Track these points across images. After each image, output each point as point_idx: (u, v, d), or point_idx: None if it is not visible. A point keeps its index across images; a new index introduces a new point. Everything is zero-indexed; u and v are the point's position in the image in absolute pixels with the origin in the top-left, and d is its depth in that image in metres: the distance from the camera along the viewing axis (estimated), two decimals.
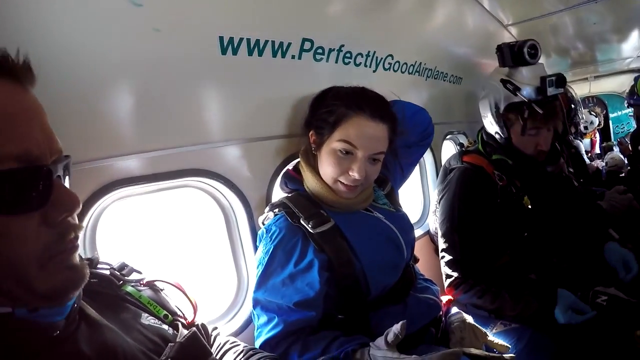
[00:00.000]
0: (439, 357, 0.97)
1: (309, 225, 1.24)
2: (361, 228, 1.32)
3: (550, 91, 1.81)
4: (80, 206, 0.66)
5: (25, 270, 0.58)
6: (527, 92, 1.83)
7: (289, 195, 1.39)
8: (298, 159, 1.46)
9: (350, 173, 1.27)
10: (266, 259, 1.22)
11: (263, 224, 1.36)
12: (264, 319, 1.19)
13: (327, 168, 1.31)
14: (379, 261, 1.30)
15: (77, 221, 0.67)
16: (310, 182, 1.36)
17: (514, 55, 1.91)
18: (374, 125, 1.28)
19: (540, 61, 1.95)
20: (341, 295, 1.25)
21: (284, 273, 1.20)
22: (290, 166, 1.51)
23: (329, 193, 1.32)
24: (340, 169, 1.29)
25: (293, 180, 1.42)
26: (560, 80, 1.84)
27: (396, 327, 1.01)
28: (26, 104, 0.61)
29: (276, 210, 1.34)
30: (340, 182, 1.30)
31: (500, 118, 1.92)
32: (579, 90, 5.60)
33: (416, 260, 1.58)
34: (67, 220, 0.63)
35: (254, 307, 1.23)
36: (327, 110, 1.32)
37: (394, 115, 1.36)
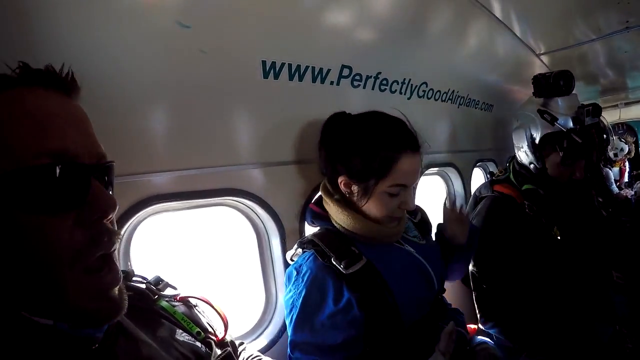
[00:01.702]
0: None
1: (341, 266, 1.18)
2: (393, 262, 1.28)
3: (587, 121, 1.82)
4: (117, 208, 0.65)
5: (58, 270, 0.58)
6: (564, 122, 1.83)
7: (318, 232, 1.34)
8: (319, 193, 1.42)
9: (404, 207, 1.26)
10: (300, 300, 1.18)
11: (292, 260, 1.33)
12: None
13: (379, 210, 1.26)
14: (412, 296, 1.26)
15: (114, 227, 0.67)
16: (341, 218, 1.30)
17: (549, 86, 1.92)
18: (417, 158, 1.25)
19: None
20: (374, 330, 1.21)
21: (323, 313, 1.16)
22: (313, 200, 1.48)
23: (367, 226, 1.28)
24: (392, 207, 1.25)
25: (319, 217, 1.37)
26: (596, 110, 1.85)
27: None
28: (71, 109, 0.63)
29: (305, 247, 1.30)
30: (392, 217, 1.28)
31: (537, 149, 1.91)
32: (609, 117, 5.48)
33: (443, 290, 1.54)
34: (102, 223, 0.63)
35: (292, 351, 1.18)
36: (365, 156, 1.23)
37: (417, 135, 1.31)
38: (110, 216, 0.65)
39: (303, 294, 1.18)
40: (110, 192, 0.67)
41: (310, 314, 1.17)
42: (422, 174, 1.97)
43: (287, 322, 1.23)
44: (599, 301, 1.89)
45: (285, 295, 1.26)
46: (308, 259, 1.25)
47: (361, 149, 1.24)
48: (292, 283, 1.24)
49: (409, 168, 1.22)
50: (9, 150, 0.55)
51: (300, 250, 1.31)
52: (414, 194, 1.31)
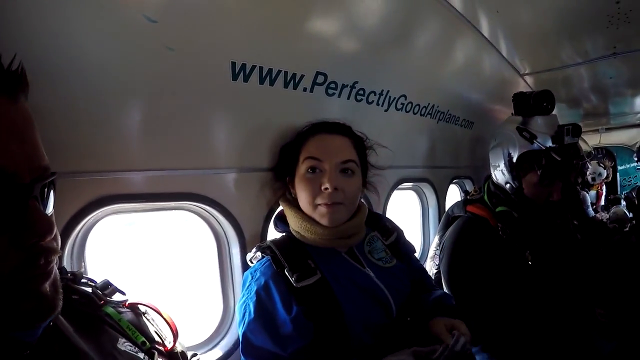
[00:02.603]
0: None
1: (293, 279, 1.19)
2: (349, 283, 1.26)
3: (567, 140, 1.80)
4: (54, 233, 0.62)
5: None
6: (543, 140, 1.82)
7: (278, 239, 1.35)
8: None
9: (322, 187, 1.24)
10: (252, 306, 1.17)
11: (251, 262, 1.32)
12: None
13: (303, 195, 1.29)
14: (364, 320, 1.23)
15: (54, 245, 0.64)
16: (293, 222, 1.33)
17: (529, 105, 1.91)
18: (333, 137, 1.32)
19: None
20: (322, 346, 1.17)
21: (274, 320, 1.15)
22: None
23: (312, 226, 1.28)
24: (313, 188, 1.26)
25: (283, 221, 1.39)
26: (576, 130, 1.83)
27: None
28: (15, 117, 0.58)
29: (263, 252, 1.30)
30: (319, 204, 1.27)
31: (514, 167, 1.89)
32: (590, 140, 5.61)
33: (405, 317, 1.42)
34: (38, 245, 0.60)
35: (245, 354, 1.16)
36: (289, 149, 1.38)
37: (356, 134, 1.39)
38: (47, 238, 0.61)
39: (254, 299, 1.18)
40: (51, 207, 0.65)
41: (262, 320, 1.15)
42: (395, 187, 1.93)
43: (239, 329, 1.19)
44: (580, 344, 1.85)
45: (239, 300, 1.24)
46: (264, 264, 1.26)
47: (289, 145, 1.40)
48: (245, 288, 1.24)
49: (319, 143, 1.30)
50: None
51: (259, 254, 1.30)
52: (351, 182, 1.30)
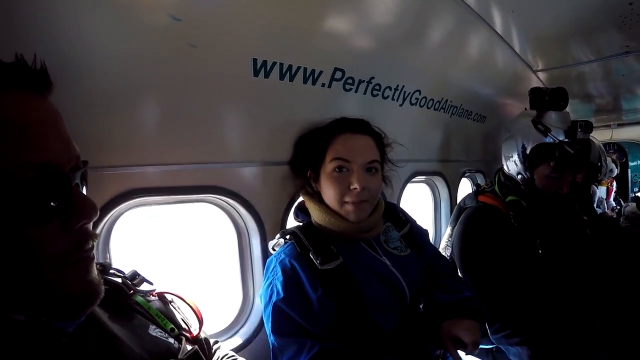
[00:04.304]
0: None
1: (317, 261, 1.24)
2: (367, 270, 1.31)
3: (579, 135, 1.87)
4: (98, 213, 0.66)
5: (43, 274, 0.59)
6: (556, 134, 1.88)
7: (301, 225, 1.40)
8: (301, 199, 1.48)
9: (351, 187, 1.28)
10: (280, 286, 1.20)
11: (273, 249, 1.36)
12: (295, 346, 1.16)
13: (330, 192, 1.32)
14: (380, 304, 1.28)
15: (94, 230, 0.68)
16: (316, 215, 1.37)
17: (544, 101, 1.96)
18: (358, 137, 1.34)
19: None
20: (344, 325, 1.23)
21: (304, 297, 1.20)
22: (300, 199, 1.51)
23: (337, 220, 1.32)
24: (340, 187, 1.30)
25: (304, 212, 1.44)
26: (588, 126, 1.89)
27: None
28: (43, 112, 0.62)
29: (287, 237, 1.34)
30: (346, 202, 1.31)
31: (527, 158, 1.93)
32: (601, 136, 5.57)
33: (418, 303, 1.50)
34: (84, 228, 0.64)
35: (275, 327, 1.19)
36: (312, 145, 1.39)
37: (377, 131, 1.42)
38: (94, 218, 0.66)
39: (281, 279, 1.22)
40: (85, 189, 0.69)
41: (292, 296, 1.19)
42: (409, 180, 1.96)
43: (265, 310, 1.23)
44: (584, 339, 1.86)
45: (263, 284, 1.28)
46: (288, 247, 1.31)
47: (312, 140, 1.41)
48: (270, 271, 1.27)
49: (347, 143, 1.32)
50: None
51: (282, 240, 1.35)
52: (375, 180, 1.35)
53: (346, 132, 1.34)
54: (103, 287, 0.68)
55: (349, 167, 1.30)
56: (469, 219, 1.94)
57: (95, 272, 0.67)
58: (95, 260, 0.68)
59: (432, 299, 1.44)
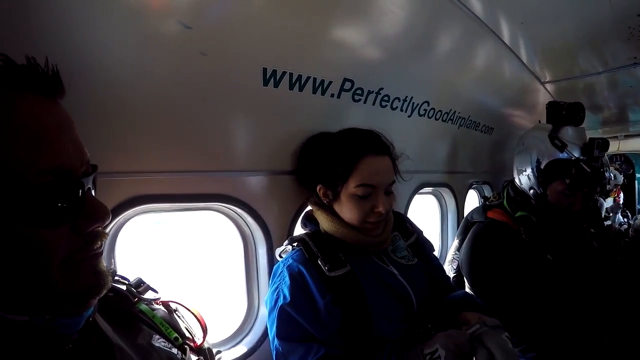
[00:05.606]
0: None
1: (326, 268, 1.24)
2: (374, 279, 1.31)
3: (596, 153, 1.85)
4: (110, 217, 0.67)
5: (48, 272, 0.59)
6: (572, 150, 1.85)
7: (310, 232, 1.39)
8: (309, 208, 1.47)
9: (375, 210, 1.28)
10: (287, 289, 1.20)
11: (280, 256, 1.36)
12: (301, 349, 1.15)
13: (352, 213, 1.31)
14: (387, 314, 1.27)
15: (104, 230, 0.68)
16: (327, 225, 1.36)
17: (562, 115, 1.95)
18: (381, 159, 1.31)
19: None
20: (348, 332, 1.22)
21: (312, 303, 1.19)
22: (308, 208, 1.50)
23: (350, 232, 1.32)
24: (364, 210, 1.29)
25: (312, 221, 1.43)
26: (604, 144, 1.87)
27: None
28: (57, 117, 0.62)
29: (295, 244, 1.34)
30: (368, 222, 1.31)
31: (541, 173, 1.91)
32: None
33: (425, 312, 1.51)
34: (95, 230, 0.65)
35: (280, 331, 1.18)
36: (331, 163, 1.33)
37: (389, 144, 1.39)
38: (107, 222, 0.67)
39: (288, 284, 1.21)
40: (94, 193, 0.69)
41: (300, 301, 1.19)
42: (416, 191, 1.95)
43: (270, 316, 1.22)
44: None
45: (269, 289, 1.27)
46: (296, 253, 1.30)
47: (329, 156, 1.35)
48: (277, 276, 1.27)
49: (372, 168, 1.29)
50: (4, 164, 0.55)
51: (290, 247, 1.35)
52: (391, 199, 1.34)
53: (370, 153, 1.30)
54: (110, 279, 0.68)
55: (373, 191, 1.29)
56: (478, 236, 1.92)
57: (103, 264, 0.68)
58: (103, 255, 0.69)
59: (443, 300, 1.42)
